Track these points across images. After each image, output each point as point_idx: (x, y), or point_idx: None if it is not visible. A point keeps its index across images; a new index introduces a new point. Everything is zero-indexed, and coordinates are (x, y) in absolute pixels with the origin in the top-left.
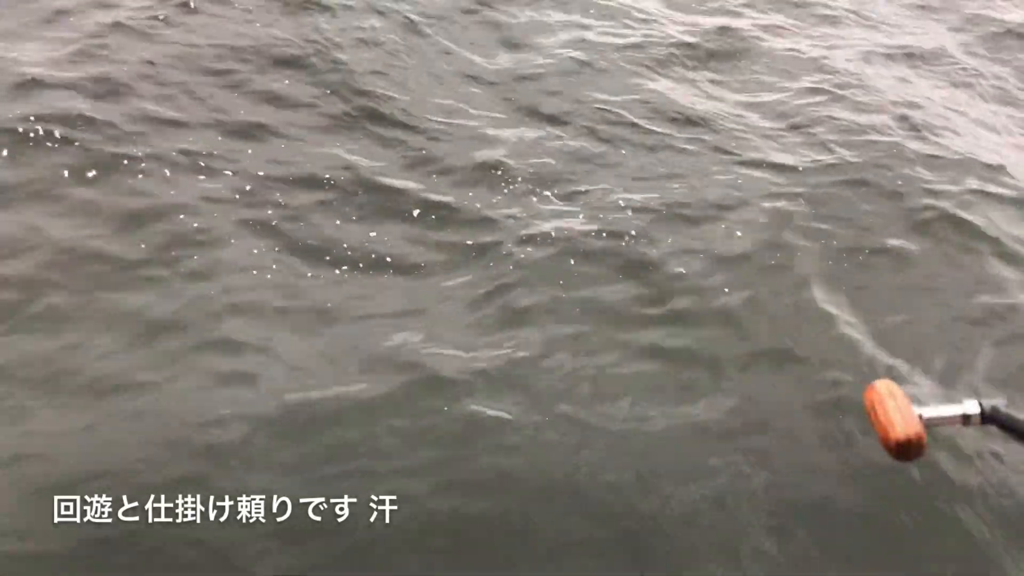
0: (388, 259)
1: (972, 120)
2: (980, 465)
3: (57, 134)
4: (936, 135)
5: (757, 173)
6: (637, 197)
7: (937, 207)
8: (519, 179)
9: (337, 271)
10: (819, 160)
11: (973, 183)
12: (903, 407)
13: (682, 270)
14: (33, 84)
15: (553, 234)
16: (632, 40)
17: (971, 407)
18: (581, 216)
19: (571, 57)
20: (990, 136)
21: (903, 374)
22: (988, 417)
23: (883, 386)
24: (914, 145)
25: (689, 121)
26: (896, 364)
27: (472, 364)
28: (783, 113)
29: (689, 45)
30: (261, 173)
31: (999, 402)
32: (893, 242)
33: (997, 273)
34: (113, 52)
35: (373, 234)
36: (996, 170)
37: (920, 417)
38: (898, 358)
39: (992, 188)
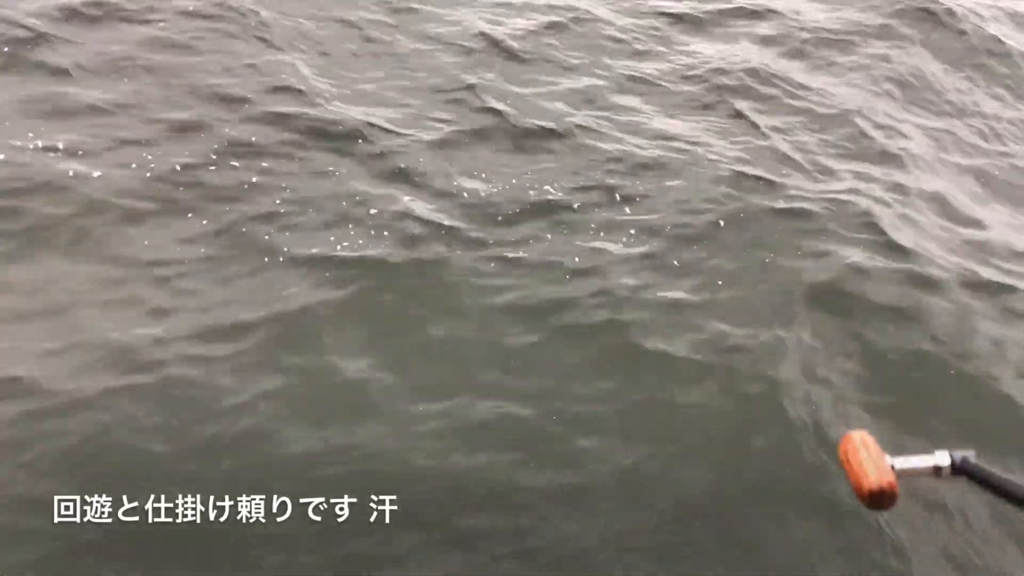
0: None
1: (918, 126)
2: (940, 518)
3: None
4: (885, 151)
5: (703, 185)
6: (588, 209)
7: (895, 235)
8: (441, 184)
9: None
10: (777, 177)
11: (928, 208)
12: (876, 457)
13: (642, 294)
14: None
15: (486, 240)
16: (569, 38)
17: (942, 459)
18: (513, 225)
19: (499, 52)
20: (939, 151)
21: (862, 411)
22: (958, 469)
23: (857, 436)
24: (868, 163)
25: (630, 125)
26: (852, 399)
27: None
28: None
29: (630, 40)
30: (184, 168)
31: (969, 453)
32: (842, 267)
33: (952, 305)
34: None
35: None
36: (948, 196)
37: (892, 468)
38: (853, 394)
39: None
